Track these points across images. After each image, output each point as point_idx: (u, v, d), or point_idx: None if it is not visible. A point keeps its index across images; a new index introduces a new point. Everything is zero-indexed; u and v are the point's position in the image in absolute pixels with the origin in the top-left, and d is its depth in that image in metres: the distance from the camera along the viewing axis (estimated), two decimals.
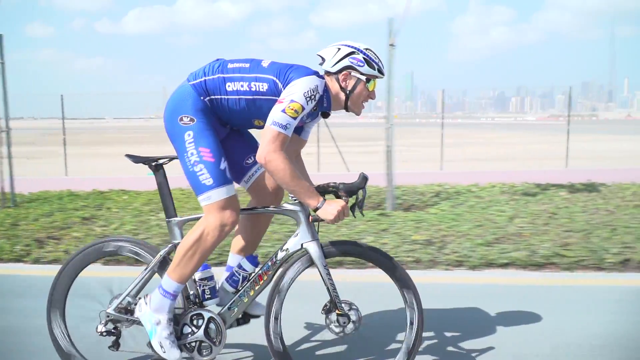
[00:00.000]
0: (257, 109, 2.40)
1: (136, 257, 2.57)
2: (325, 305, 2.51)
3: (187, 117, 2.35)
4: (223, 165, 2.36)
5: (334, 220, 2.32)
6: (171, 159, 2.53)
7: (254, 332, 2.72)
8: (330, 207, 2.32)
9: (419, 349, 2.56)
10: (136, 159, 2.50)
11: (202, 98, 2.38)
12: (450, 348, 2.96)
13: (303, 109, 2.29)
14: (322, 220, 2.37)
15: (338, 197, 2.43)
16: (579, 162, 14.63)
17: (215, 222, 2.33)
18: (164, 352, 2.38)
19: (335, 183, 2.42)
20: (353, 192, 2.41)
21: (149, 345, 2.43)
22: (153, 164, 2.50)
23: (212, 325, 2.46)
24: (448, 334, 3.11)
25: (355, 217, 2.45)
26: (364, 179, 2.39)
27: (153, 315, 2.40)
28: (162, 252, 2.49)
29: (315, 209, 2.35)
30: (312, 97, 2.31)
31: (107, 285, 2.64)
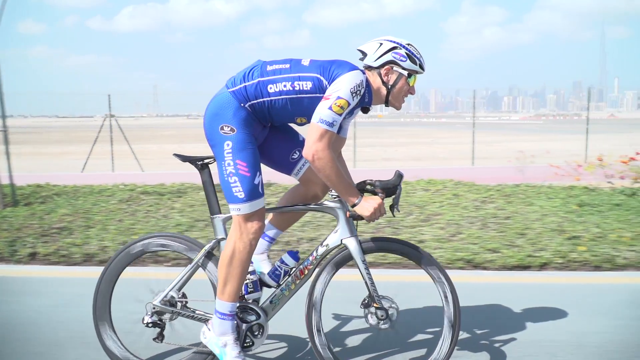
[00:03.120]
0: (300, 107, 2.39)
1: (180, 253, 2.58)
2: (364, 300, 2.54)
3: (228, 126, 2.36)
4: (257, 179, 2.38)
5: (370, 216, 2.36)
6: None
7: (289, 325, 2.76)
8: (367, 204, 2.35)
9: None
10: (183, 158, 2.54)
11: (242, 105, 2.38)
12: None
13: (349, 104, 2.30)
14: (360, 217, 2.39)
15: (375, 194, 2.45)
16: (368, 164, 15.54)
17: (242, 234, 2.37)
18: None
19: (372, 181, 2.45)
20: (389, 190, 2.43)
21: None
22: (199, 163, 2.53)
23: (254, 318, 2.50)
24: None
25: (394, 215, 2.47)
26: (399, 176, 2.43)
27: (219, 339, 2.43)
28: (206, 247, 2.52)
29: (353, 205, 2.38)
30: (358, 92, 2.32)
31: (147, 285, 2.65)
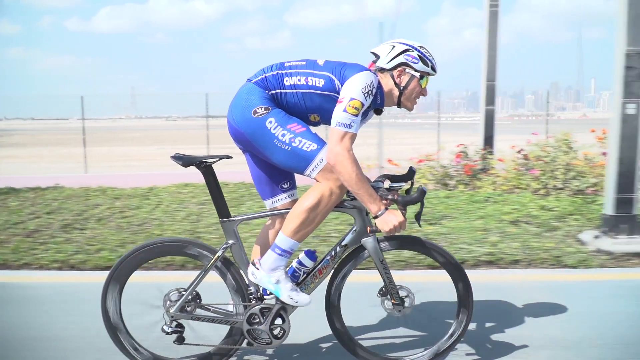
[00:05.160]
0: (312, 103, 2.45)
1: (192, 258, 2.57)
2: (381, 290, 2.60)
3: (261, 107, 2.40)
4: (314, 131, 2.44)
5: (389, 232, 2.38)
6: (220, 158, 2.49)
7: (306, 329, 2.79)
8: (389, 218, 2.36)
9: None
10: (184, 161, 2.42)
11: (267, 92, 2.44)
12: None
13: (363, 105, 2.33)
14: (379, 231, 2.41)
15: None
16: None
17: (337, 181, 2.37)
18: (296, 302, 2.45)
19: (394, 197, 2.42)
20: (411, 205, 2.42)
21: (279, 301, 2.49)
22: (202, 165, 2.46)
23: (276, 317, 2.51)
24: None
25: (420, 225, 2.47)
26: (422, 192, 2.39)
27: (270, 276, 2.44)
28: (219, 252, 2.49)
29: (376, 217, 2.38)
30: (370, 92, 2.35)
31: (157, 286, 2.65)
